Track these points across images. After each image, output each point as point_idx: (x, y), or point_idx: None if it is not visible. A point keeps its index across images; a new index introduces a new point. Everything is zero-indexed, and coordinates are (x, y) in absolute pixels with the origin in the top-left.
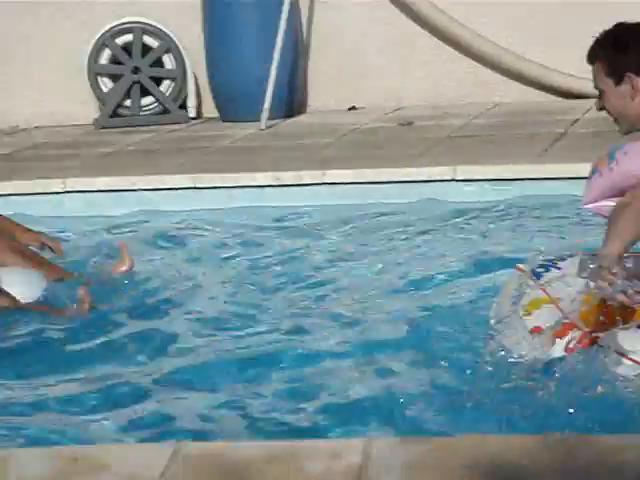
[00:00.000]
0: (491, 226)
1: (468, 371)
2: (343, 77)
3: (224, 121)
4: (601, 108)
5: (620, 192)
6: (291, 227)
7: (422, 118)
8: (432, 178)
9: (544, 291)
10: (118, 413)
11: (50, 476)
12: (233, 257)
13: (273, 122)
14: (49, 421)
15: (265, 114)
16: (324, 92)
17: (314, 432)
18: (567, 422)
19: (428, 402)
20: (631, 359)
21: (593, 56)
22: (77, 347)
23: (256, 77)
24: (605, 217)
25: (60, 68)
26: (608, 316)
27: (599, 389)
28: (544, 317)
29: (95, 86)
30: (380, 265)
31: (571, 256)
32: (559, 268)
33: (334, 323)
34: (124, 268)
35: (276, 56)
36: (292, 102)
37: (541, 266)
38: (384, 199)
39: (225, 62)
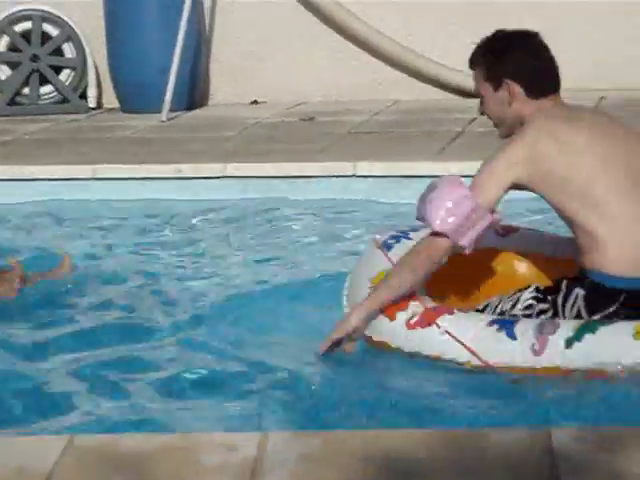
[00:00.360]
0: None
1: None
2: (245, 71)
3: (125, 112)
4: (482, 113)
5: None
6: (188, 220)
7: (323, 114)
8: (332, 174)
9: (390, 261)
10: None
11: None
12: (130, 248)
13: (174, 114)
14: None
15: (166, 106)
16: (226, 85)
17: (210, 425)
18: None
19: (317, 395)
20: (463, 344)
21: (473, 62)
22: None
23: (158, 68)
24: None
25: None
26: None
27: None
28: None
29: None
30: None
31: (425, 227)
32: (410, 239)
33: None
34: (60, 276)
35: (178, 47)
36: (194, 94)
37: (393, 237)
38: (284, 194)
39: (126, 52)
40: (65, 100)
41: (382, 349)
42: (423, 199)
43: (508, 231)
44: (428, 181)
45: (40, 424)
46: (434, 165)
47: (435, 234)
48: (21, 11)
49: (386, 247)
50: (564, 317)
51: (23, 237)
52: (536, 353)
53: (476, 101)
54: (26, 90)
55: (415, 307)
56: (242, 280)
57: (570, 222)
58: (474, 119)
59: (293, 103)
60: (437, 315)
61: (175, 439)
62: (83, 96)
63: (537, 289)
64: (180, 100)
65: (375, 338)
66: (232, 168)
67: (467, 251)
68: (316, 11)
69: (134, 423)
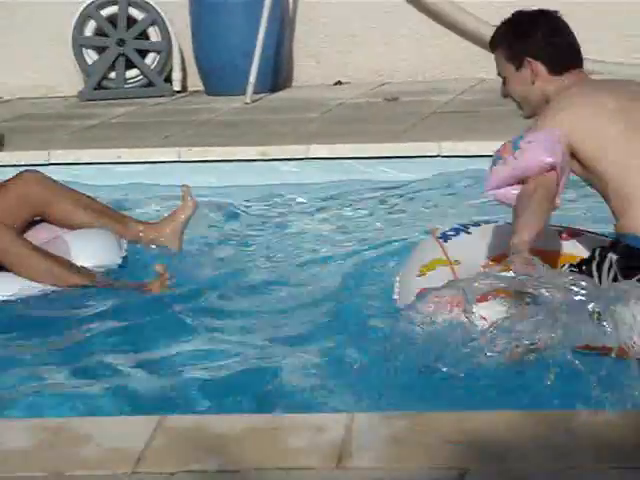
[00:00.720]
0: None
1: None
2: (329, 52)
3: (209, 94)
4: (505, 95)
5: (522, 180)
6: (276, 202)
7: (408, 94)
8: (417, 154)
9: (444, 252)
10: (103, 386)
11: (34, 447)
12: (223, 232)
13: (258, 96)
14: (35, 392)
15: (250, 88)
16: (310, 66)
17: (298, 407)
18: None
19: (398, 378)
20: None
21: (494, 44)
22: (77, 320)
23: (242, 50)
24: (506, 204)
25: (44, 39)
26: None
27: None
28: (435, 279)
29: (80, 58)
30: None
31: (487, 222)
32: (470, 233)
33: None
34: (189, 212)
35: (262, 30)
36: (277, 76)
37: (452, 229)
38: (371, 175)
39: (211, 35)
40: (151, 84)
41: None
42: (510, 150)
43: (571, 234)
44: None
45: (131, 406)
46: None
47: (543, 170)
48: None
49: (443, 238)
50: (600, 284)
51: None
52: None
53: None
54: (112, 74)
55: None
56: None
57: (602, 186)
58: None
59: (377, 83)
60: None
61: (263, 420)
62: (168, 79)
63: (571, 265)
64: (264, 82)
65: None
66: (315, 149)
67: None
68: None
69: (221, 404)
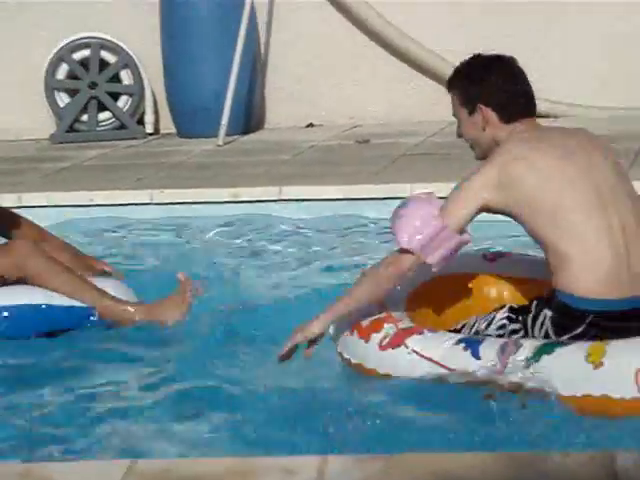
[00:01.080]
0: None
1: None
2: (300, 94)
3: (181, 137)
4: (459, 135)
5: None
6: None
7: (379, 136)
8: (389, 195)
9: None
10: (74, 428)
11: None
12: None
13: (231, 138)
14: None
15: (223, 130)
16: (282, 109)
17: (270, 449)
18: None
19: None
20: (431, 360)
21: (450, 85)
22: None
23: (214, 92)
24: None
25: (16, 82)
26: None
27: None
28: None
29: (52, 101)
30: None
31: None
32: None
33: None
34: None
35: (234, 73)
36: (250, 118)
37: None
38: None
39: (183, 77)
40: (123, 126)
41: (360, 372)
42: (395, 214)
43: (496, 257)
44: None
45: (101, 449)
46: None
47: (403, 250)
48: (80, 39)
49: None
50: (533, 337)
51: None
52: (497, 372)
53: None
54: (84, 117)
55: (388, 329)
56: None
57: (540, 243)
58: None
59: (349, 126)
60: (407, 335)
61: (233, 463)
62: (141, 122)
63: (511, 309)
64: (236, 124)
65: (353, 361)
66: (287, 191)
67: (435, 269)
68: (371, 34)
69: (191, 447)
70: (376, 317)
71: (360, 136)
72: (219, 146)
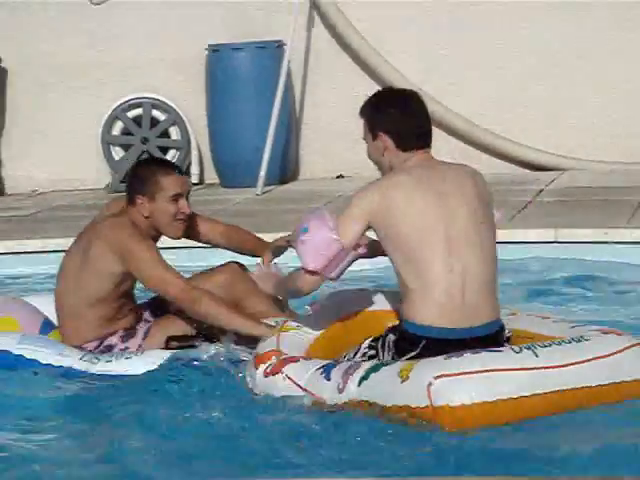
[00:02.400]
0: None
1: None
2: (331, 149)
3: (224, 187)
4: (368, 156)
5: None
6: None
7: None
8: None
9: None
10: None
11: None
12: None
13: (268, 188)
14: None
15: (261, 181)
16: (314, 162)
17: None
18: None
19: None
20: (301, 387)
21: (360, 112)
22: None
23: (253, 147)
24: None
25: (77, 138)
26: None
27: None
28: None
29: (108, 154)
30: None
31: None
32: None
33: None
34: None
35: (271, 128)
36: (285, 170)
37: None
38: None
39: (225, 133)
40: None
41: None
42: (298, 239)
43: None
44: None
45: None
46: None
47: (307, 271)
48: (133, 99)
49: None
50: (384, 359)
51: None
52: (340, 391)
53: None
54: None
55: (274, 359)
56: None
57: (396, 274)
58: (541, 190)
59: (373, 177)
60: (284, 364)
61: None
62: (187, 173)
63: (373, 338)
64: (273, 175)
65: (247, 386)
66: None
67: (334, 281)
68: None
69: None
70: (267, 350)
71: None
72: (257, 195)
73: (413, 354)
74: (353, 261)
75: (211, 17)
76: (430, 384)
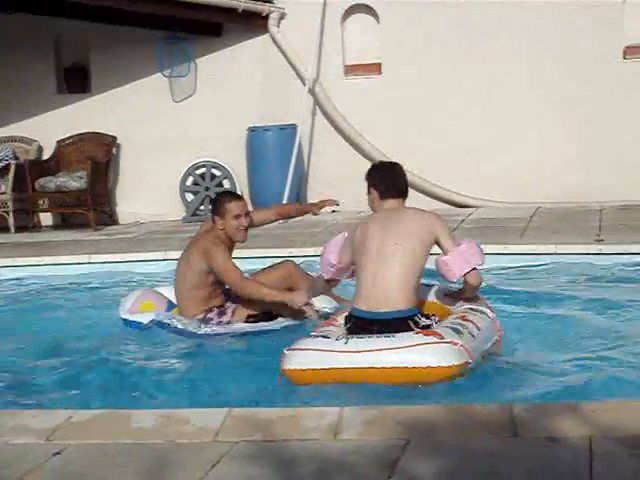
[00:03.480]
0: None
1: None
2: (327, 193)
3: None
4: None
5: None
6: None
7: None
8: None
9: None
10: (196, 389)
11: (154, 427)
12: None
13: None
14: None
15: None
16: (317, 198)
17: (309, 403)
18: None
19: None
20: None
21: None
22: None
23: (276, 192)
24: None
25: (165, 187)
26: None
27: None
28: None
29: (183, 198)
30: None
31: None
32: None
33: None
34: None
35: (289, 180)
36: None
37: None
38: None
39: (258, 181)
40: None
41: None
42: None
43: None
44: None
45: (214, 402)
46: None
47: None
48: (199, 162)
49: None
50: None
51: None
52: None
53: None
54: (202, 207)
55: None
56: None
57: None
58: (463, 220)
59: (359, 211)
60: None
61: (289, 411)
62: None
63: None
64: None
65: None
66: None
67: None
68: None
69: (267, 401)
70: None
71: (364, 217)
72: (280, 223)
73: (349, 326)
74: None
75: (250, 104)
76: (283, 354)
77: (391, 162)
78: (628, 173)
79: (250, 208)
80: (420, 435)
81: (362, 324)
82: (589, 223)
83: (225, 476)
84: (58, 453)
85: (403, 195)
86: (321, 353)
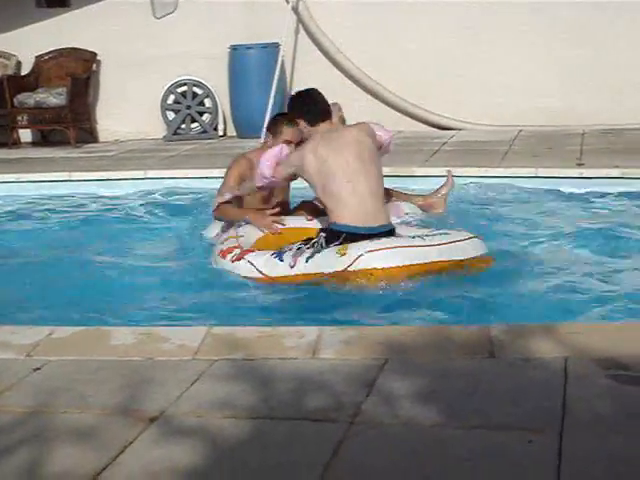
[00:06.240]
0: None
1: None
2: None
3: (239, 138)
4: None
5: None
6: None
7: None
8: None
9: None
10: (180, 305)
11: (134, 344)
12: None
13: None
14: (136, 307)
15: (263, 132)
16: None
17: (288, 321)
18: None
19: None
20: (257, 269)
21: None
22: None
23: (259, 110)
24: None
25: (145, 105)
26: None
27: None
28: (227, 245)
29: (164, 116)
30: None
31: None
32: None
33: None
34: (450, 187)
35: (271, 97)
36: None
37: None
38: None
39: (240, 101)
40: (205, 131)
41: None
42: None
43: (311, 219)
44: (420, 180)
45: (192, 320)
46: (421, 169)
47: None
48: (181, 80)
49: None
50: (316, 248)
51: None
52: (291, 267)
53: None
54: (183, 126)
55: (236, 251)
56: None
57: (322, 200)
58: (445, 142)
59: None
60: (245, 254)
61: (269, 330)
62: (215, 129)
63: (307, 238)
64: None
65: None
66: None
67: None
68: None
69: (243, 319)
70: (229, 245)
71: None
72: (261, 142)
73: (336, 243)
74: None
75: (233, 23)
76: (361, 255)
77: (307, 89)
78: (612, 97)
79: (232, 132)
80: (398, 355)
81: (358, 240)
82: (571, 147)
83: (204, 393)
84: (38, 369)
85: (330, 116)
86: (411, 250)
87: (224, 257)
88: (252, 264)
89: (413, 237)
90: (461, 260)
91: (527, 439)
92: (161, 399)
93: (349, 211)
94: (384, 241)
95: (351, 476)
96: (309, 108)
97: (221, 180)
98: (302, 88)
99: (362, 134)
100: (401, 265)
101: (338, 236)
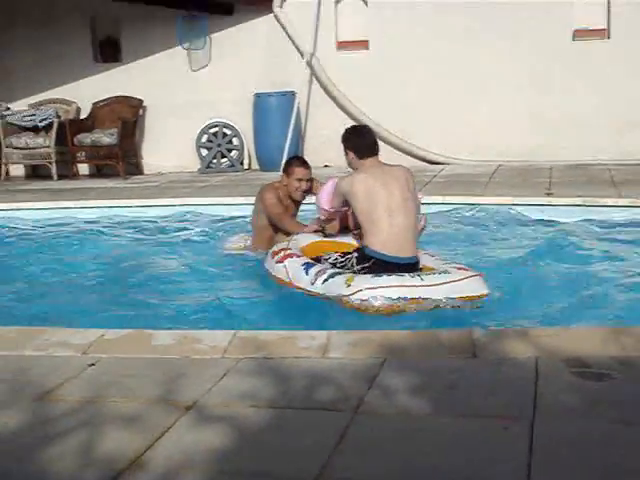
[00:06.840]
0: None
1: None
2: (321, 148)
3: (262, 171)
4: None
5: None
6: None
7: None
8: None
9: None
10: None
11: (172, 344)
12: None
13: None
14: (177, 309)
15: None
16: (311, 156)
17: (303, 327)
18: None
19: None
20: (289, 276)
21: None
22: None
23: (278, 148)
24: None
25: (183, 143)
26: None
27: None
28: (279, 246)
29: (199, 153)
30: None
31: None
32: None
33: None
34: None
35: (288, 137)
36: None
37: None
38: None
39: (262, 139)
40: (232, 165)
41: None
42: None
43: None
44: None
45: (220, 326)
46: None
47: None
48: (212, 122)
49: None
50: (347, 267)
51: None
52: (311, 284)
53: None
54: (214, 161)
55: (282, 253)
56: None
57: (361, 222)
58: (435, 175)
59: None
60: (286, 257)
61: (284, 334)
62: (242, 163)
63: (342, 253)
64: None
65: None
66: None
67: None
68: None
69: (266, 324)
70: (281, 247)
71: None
72: (280, 175)
73: (365, 266)
74: (331, 214)
75: (256, 74)
76: (360, 290)
77: (361, 125)
78: (576, 136)
79: (255, 166)
80: (395, 355)
81: (385, 266)
82: (541, 179)
83: (231, 387)
84: (93, 364)
85: (377, 152)
86: (405, 289)
87: (273, 257)
88: (286, 268)
89: (413, 277)
90: (458, 297)
91: (503, 426)
92: (195, 391)
93: (382, 240)
94: (386, 279)
95: (355, 456)
96: (358, 142)
97: (246, 204)
98: (355, 124)
99: (408, 174)
100: (392, 305)
101: (368, 259)
